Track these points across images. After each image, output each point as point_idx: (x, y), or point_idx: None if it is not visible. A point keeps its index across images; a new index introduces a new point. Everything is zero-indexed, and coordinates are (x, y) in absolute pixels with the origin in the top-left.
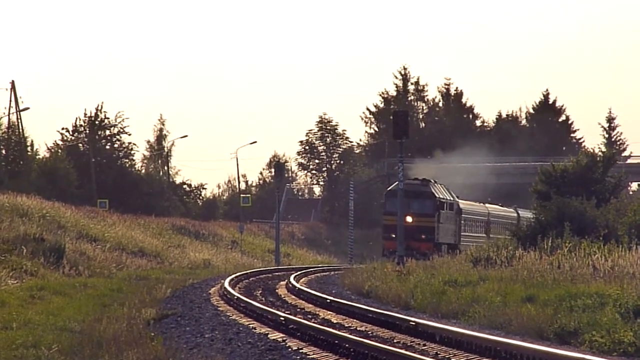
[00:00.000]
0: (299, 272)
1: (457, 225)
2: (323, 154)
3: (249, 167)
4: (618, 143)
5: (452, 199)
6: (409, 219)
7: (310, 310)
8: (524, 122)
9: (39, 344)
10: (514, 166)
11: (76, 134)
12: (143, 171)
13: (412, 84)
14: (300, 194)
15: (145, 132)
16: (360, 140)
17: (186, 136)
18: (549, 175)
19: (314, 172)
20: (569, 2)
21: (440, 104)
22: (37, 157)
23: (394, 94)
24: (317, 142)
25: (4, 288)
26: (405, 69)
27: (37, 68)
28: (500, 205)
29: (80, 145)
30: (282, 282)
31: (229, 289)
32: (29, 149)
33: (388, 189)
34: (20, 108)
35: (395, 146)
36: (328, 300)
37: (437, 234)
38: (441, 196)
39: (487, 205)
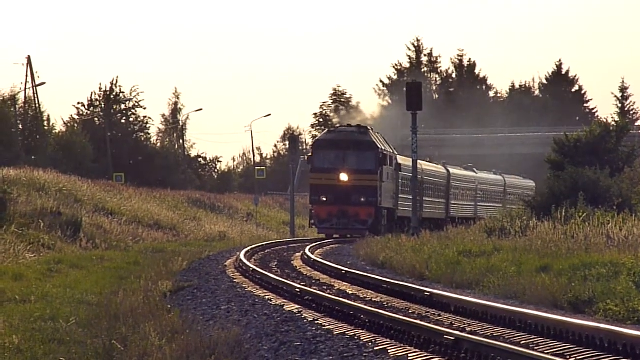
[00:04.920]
0: (314, 244)
1: (396, 186)
2: (337, 126)
3: (264, 140)
4: (631, 112)
5: (391, 151)
6: (343, 176)
7: (325, 282)
8: (537, 92)
9: (56, 316)
10: (527, 136)
11: (92, 108)
12: (158, 145)
13: (425, 55)
14: None
15: (160, 105)
16: (374, 112)
17: (201, 109)
18: (562, 146)
19: None
20: None
21: (454, 75)
22: (54, 131)
23: (407, 65)
24: (332, 114)
25: (22, 262)
26: (418, 40)
27: (53, 43)
28: (429, 161)
29: (96, 119)
30: (297, 254)
31: (245, 261)
32: (45, 123)
33: (317, 138)
34: (37, 83)
35: (408, 118)
36: (343, 272)
37: (380, 197)
38: (382, 147)
39: (420, 161)
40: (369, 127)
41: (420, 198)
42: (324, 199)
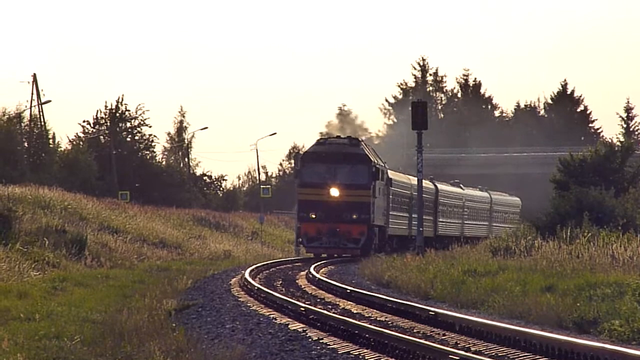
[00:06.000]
0: (319, 263)
1: (387, 202)
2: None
3: (269, 159)
4: (636, 133)
5: (382, 164)
6: (334, 191)
7: (330, 301)
8: (542, 112)
9: (61, 335)
10: (532, 156)
11: (97, 126)
12: (164, 163)
13: (430, 74)
14: None
15: (165, 124)
16: (379, 131)
17: (206, 128)
18: (567, 165)
19: None
20: None
21: (459, 95)
22: (59, 149)
23: (413, 85)
24: (337, 132)
25: (27, 280)
26: (423, 59)
27: (58, 61)
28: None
29: (102, 137)
30: (302, 273)
31: (250, 279)
32: (50, 141)
33: (305, 150)
34: (42, 101)
35: (414, 137)
36: (348, 291)
37: (373, 214)
38: (375, 160)
39: (409, 176)
40: (360, 139)
41: (409, 215)
42: (313, 216)
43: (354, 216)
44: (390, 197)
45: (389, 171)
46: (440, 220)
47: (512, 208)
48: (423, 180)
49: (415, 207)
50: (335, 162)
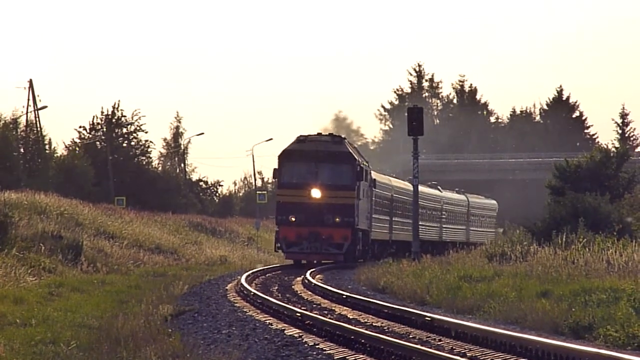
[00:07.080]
0: (315, 269)
1: (370, 204)
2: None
3: (265, 164)
4: (632, 138)
5: (366, 164)
6: (315, 192)
7: (326, 306)
8: (537, 118)
9: (57, 340)
10: (528, 162)
11: (93, 132)
12: (160, 169)
13: (426, 80)
14: None
15: (161, 129)
16: (375, 137)
17: (202, 134)
18: (562, 171)
19: None
20: None
21: (455, 101)
22: (55, 155)
23: (409, 90)
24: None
25: (23, 285)
26: (419, 65)
27: (55, 66)
28: (395, 177)
29: (98, 143)
30: (298, 278)
31: (246, 285)
32: (47, 147)
33: (284, 148)
34: (38, 107)
35: (409, 143)
36: (344, 296)
37: (357, 217)
38: (359, 160)
39: (389, 177)
40: (343, 137)
41: (390, 218)
42: (293, 219)
43: (337, 219)
44: (374, 199)
45: (372, 172)
46: (420, 223)
47: (489, 211)
48: (401, 181)
49: (395, 209)
50: (317, 161)
